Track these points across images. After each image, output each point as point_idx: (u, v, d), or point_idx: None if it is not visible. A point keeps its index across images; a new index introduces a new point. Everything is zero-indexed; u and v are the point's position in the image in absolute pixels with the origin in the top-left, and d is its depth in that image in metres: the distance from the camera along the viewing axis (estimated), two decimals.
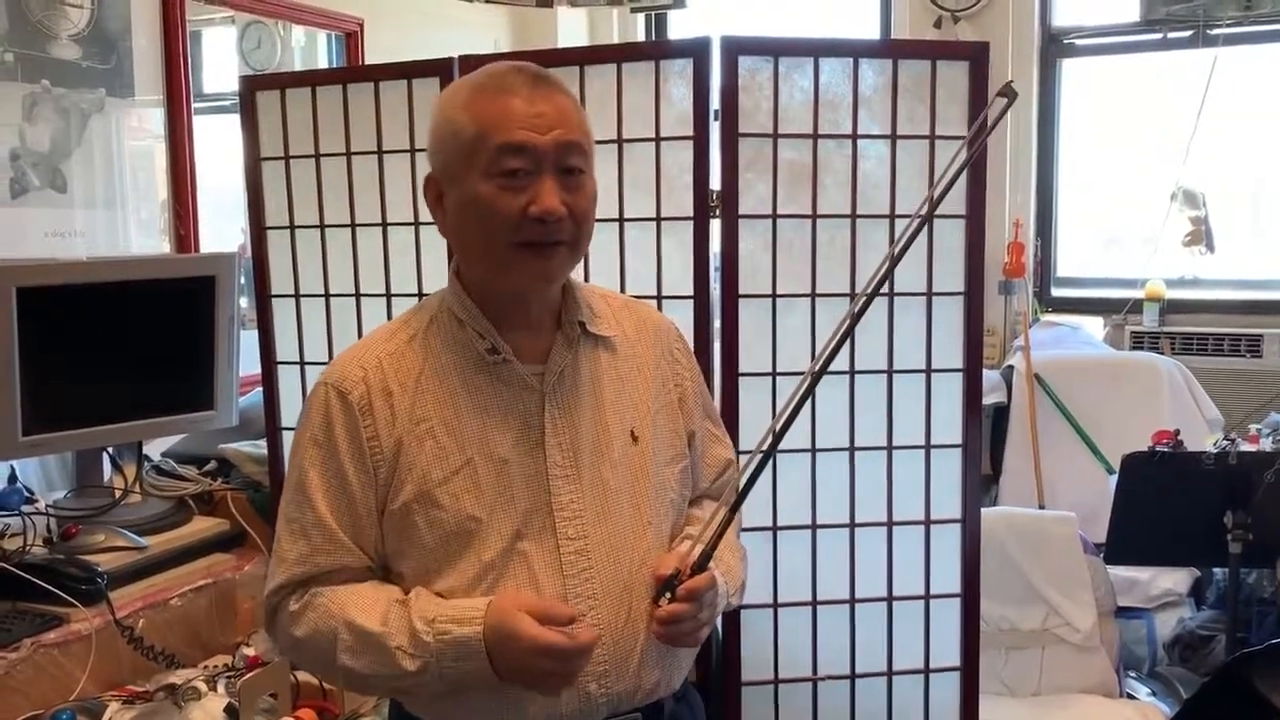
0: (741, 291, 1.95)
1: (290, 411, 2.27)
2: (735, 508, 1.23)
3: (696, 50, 1.92)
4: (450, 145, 1.21)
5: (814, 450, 1.99)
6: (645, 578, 1.25)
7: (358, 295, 2.19)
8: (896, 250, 1.32)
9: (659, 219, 1.97)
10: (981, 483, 2.11)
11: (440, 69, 2.04)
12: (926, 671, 2.06)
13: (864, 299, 1.25)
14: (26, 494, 2.02)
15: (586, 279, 1.96)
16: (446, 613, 1.16)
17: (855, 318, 1.26)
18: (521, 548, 1.21)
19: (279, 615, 1.25)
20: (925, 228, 1.96)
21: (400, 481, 1.21)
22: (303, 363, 2.26)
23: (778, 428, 1.23)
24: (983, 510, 2.08)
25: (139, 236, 2.96)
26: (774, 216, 1.96)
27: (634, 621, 1.23)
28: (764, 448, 1.23)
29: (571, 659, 1.14)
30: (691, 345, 1.90)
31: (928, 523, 2.03)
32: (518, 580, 1.20)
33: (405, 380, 1.23)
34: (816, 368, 1.24)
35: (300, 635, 1.22)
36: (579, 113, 1.24)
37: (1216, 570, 3.17)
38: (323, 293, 2.22)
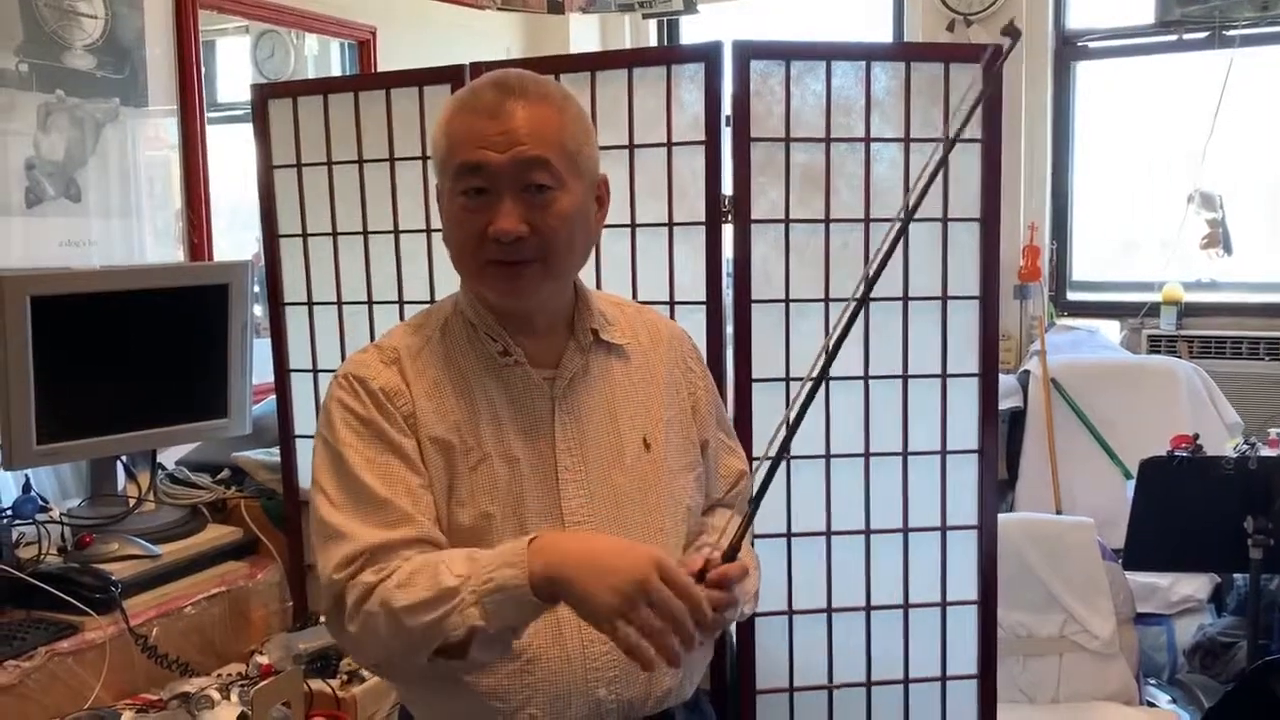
0: (754, 297, 1.94)
1: (303, 419, 2.27)
2: (756, 505, 1.20)
3: (708, 55, 1.92)
4: (435, 159, 1.23)
5: (828, 456, 1.98)
6: None
7: (370, 302, 2.19)
8: (911, 203, 1.28)
9: (671, 224, 1.97)
10: (998, 488, 2.10)
11: (452, 76, 2.04)
12: (944, 679, 2.05)
13: (875, 265, 1.21)
14: (41, 503, 2.02)
15: (598, 285, 1.96)
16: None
17: (867, 287, 1.23)
18: None
19: (350, 595, 1.12)
20: (941, 230, 1.96)
21: (428, 471, 1.21)
22: (315, 370, 2.26)
23: (792, 417, 1.19)
24: (999, 516, 2.06)
25: (153, 245, 2.97)
26: (786, 221, 1.95)
27: None
28: (779, 443, 1.21)
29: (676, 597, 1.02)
30: (704, 351, 1.90)
31: (944, 529, 2.01)
32: None
33: (424, 376, 1.23)
34: (831, 344, 1.20)
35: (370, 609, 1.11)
36: (557, 123, 1.19)
37: (1237, 576, 3.14)
38: (335, 300, 2.22)
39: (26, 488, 2.02)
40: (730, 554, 1.15)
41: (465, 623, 1.05)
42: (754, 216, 1.93)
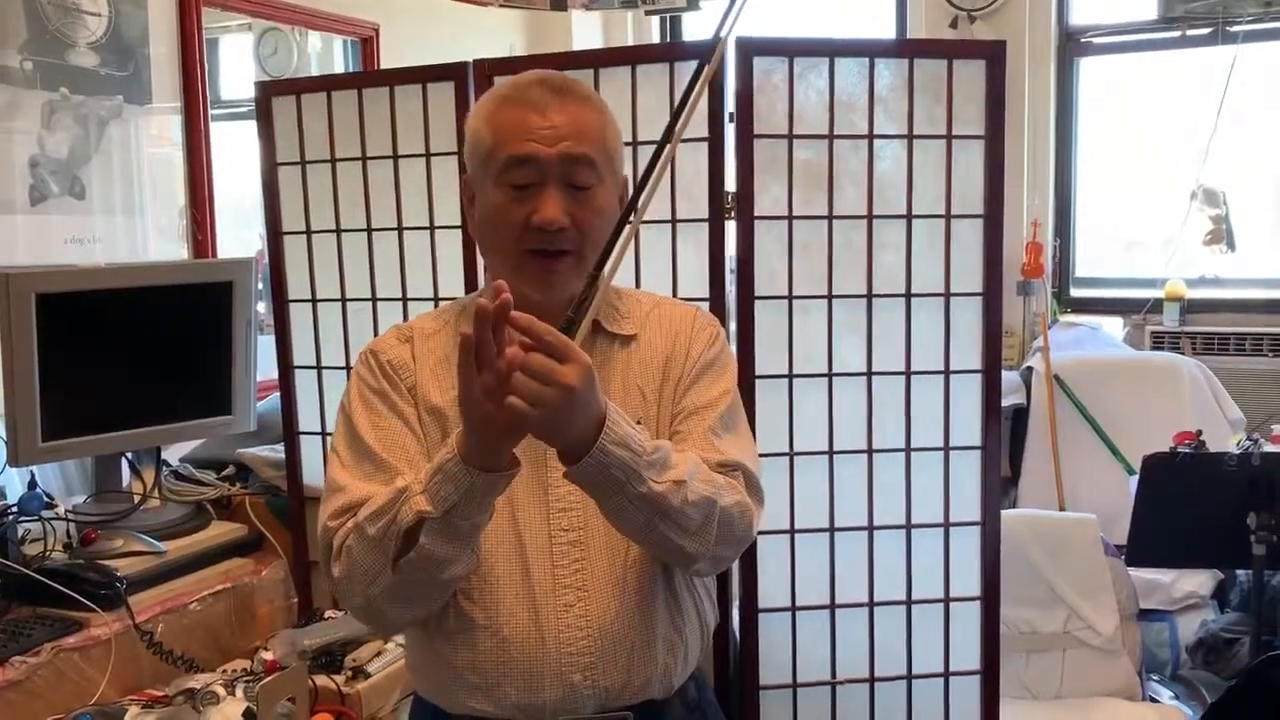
0: (757, 294, 1.95)
1: (307, 416, 2.28)
2: (601, 265, 1.13)
3: (711, 52, 1.91)
4: (474, 153, 1.26)
5: (831, 453, 1.98)
6: (639, 572, 1.25)
7: (374, 300, 2.20)
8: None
9: (674, 221, 1.97)
10: (1001, 485, 2.10)
11: (455, 73, 2.04)
12: (946, 675, 2.05)
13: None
14: (46, 499, 2.03)
15: None
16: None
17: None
18: (518, 532, 1.24)
19: (336, 540, 1.18)
20: (944, 226, 1.96)
21: (425, 439, 1.26)
22: (320, 367, 2.26)
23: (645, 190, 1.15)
24: (1003, 512, 2.06)
25: (157, 243, 2.97)
26: (790, 218, 1.95)
27: (624, 616, 1.24)
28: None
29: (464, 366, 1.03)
30: None
31: (947, 525, 2.02)
32: (509, 562, 1.23)
33: (433, 354, 1.29)
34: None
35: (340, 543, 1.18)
36: (599, 124, 1.25)
37: (1240, 572, 3.14)
38: (339, 297, 2.23)
39: (32, 484, 2.03)
40: (565, 324, 1.10)
41: (413, 509, 1.11)
42: (757, 213, 1.93)
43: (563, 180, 1.21)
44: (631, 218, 1.18)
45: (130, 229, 2.89)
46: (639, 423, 1.26)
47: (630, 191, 1.33)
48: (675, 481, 1.14)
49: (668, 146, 1.20)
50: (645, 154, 1.94)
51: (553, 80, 1.25)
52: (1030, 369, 3.82)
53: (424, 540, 1.11)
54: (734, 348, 1.95)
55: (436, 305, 1.81)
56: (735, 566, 1.96)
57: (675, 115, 1.23)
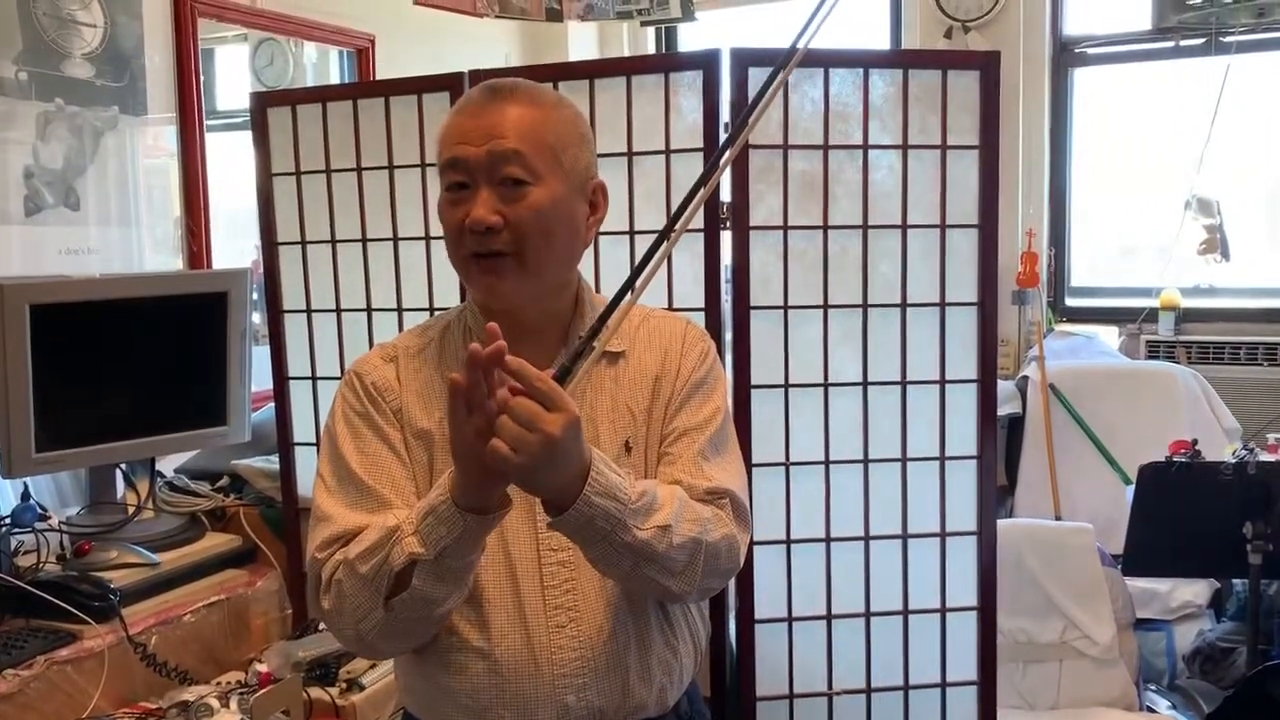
0: (753, 303, 1.95)
1: (302, 427, 2.28)
2: (620, 296, 1.12)
3: (706, 62, 1.92)
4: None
5: (827, 463, 1.98)
6: (631, 592, 1.23)
7: (369, 310, 2.20)
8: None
9: (670, 231, 1.96)
10: (997, 494, 2.09)
11: (450, 84, 2.05)
12: (944, 685, 2.05)
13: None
14: (40, 511, 2.02)
15: (598, 291, 1.96)
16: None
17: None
18: (507, 552, 1.23)
19: (324, 572, 1.18)
20: (939, 236, 1.96)
21: (412, 463, 1.25)
22: (315, 378, 2.26)
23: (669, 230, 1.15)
24: (999, 522, 2.06)
25: (153, 253, 2.97)
26: (785, 228, 1.95)
27: (618, 635, 1.22)
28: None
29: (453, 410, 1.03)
30: None
31: (943, 535, 2.02)
32: (500, 583, 1.22)
33: (418, 375, 1.28)
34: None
35: (328, 576, 1.17)
36: (536, 119, 1.20)
37: (1236, 581, 3.14)
38: (334, 308, 2.23)
39: (25, 496, 2.02)
40: (559, 375, 1.07)
41: (405, 551, 1.10)
42: (752, 223, 1.94)
43: (493, 179, 1.19)
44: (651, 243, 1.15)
45: (125, 240, 2.89)
46: (627, 445, 1.26)
47: (606, 198, 1.29)
48: (660, 527, 1.13)
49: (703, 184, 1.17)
50: (640, 164, 1.96)
51: (499, 85, 1.23)
52: (1026, 378, 3.82)
53: (417, 582, 1.11)
54: (730, 358, 1.95)
55: (432, 315, 1.81)
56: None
57: (737, 130, 1.20)
